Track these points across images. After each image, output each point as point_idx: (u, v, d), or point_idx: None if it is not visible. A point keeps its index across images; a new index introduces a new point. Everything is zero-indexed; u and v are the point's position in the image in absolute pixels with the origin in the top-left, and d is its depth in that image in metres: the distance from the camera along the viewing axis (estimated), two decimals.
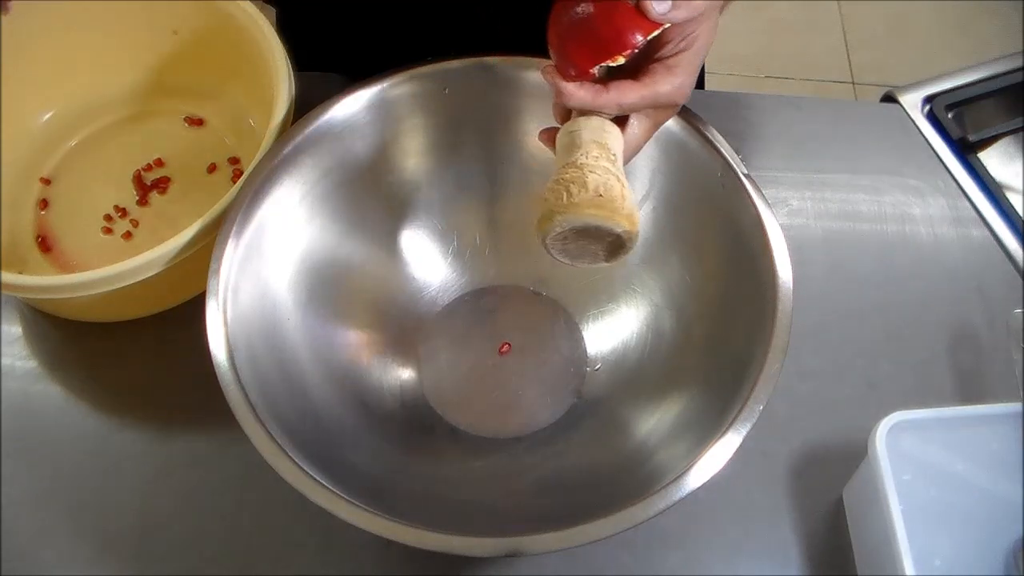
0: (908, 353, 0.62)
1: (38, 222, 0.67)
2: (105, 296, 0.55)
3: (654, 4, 0.44)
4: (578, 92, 0.46)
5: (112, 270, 0.54)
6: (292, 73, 0.62)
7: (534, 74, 0.59)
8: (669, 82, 0.46)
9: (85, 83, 0.71)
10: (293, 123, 0.57)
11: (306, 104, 0.58)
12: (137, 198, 0.69)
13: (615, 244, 0.46)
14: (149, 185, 0.69)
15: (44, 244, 0.66)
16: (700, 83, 0.84)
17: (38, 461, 0.58)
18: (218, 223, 0.54)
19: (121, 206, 0.68)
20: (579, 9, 0.46)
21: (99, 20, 0.69)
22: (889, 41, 1.83)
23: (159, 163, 0.70)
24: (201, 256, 0.53)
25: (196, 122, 0.73)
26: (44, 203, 0.68)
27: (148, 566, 0.54)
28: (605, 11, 0.45)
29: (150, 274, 0.55)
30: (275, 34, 0.64)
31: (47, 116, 0.71)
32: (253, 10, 0.65)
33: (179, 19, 0.70)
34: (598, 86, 0.46)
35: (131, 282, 0.54)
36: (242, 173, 0.68)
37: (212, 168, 0.70)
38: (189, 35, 0.71)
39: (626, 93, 0.46)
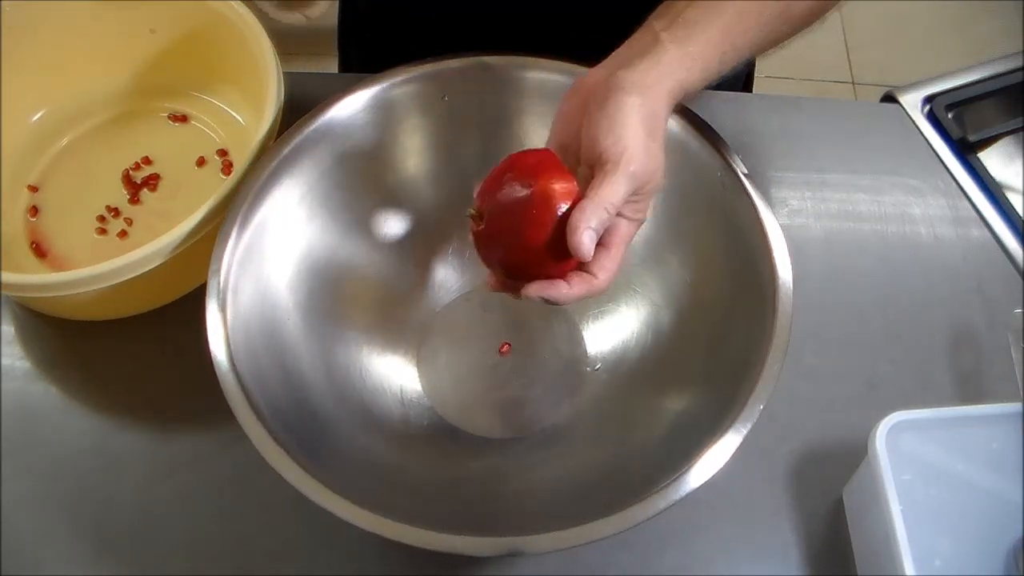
0: (908, 353, 0.62)
1: (29, 229, 0.67)
2: (105, 292, 0.55)
3: (581, 252, 0.43)
4: (572, 292, 0.46)
5: (117, 263, 0.54)
6: (281, 69, 0.62)
7: (534, 74, 0.59)
8: (635, 226, 0.47)
9: (65, 88, 0.71)
10: (292, 123, 0.57)
11: (306, 104, 0.58)
12: (128, 197, 0.68)
13: None
14: (139, 183, 0.69)
15: (39, 250, 0.66)
16: (748, 87, 0.83)
17: (38, 461, 0.58)
18: (220, 210, 0.54)
19: (113, 206, 0.68)
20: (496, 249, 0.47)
21: (74, 22, 0.69)
22: (889, 41, 1.83)
23: (147, 161, 0.70)
24: (200, 248, 0.53)
25: (180, 119, 0.73)
26: (34, 210, 0.68)
27: (148, 566, 0.54)
28: (525, 255, 0.45)
29: (154, 265, 0.55)
30: (264, 31, 0.64)
31: (33, 119, 0.70)
32: (242, 8, 0.65)
33: (156, 18, 0.70)
34: (588, 278, 0.46)
35: (135, 274, 0.54)
36: (232, 164, 0.69)
37: (201, 161, 0.70)
38: (168, 33, 0.70)
39: (611, 266, 0.46)
